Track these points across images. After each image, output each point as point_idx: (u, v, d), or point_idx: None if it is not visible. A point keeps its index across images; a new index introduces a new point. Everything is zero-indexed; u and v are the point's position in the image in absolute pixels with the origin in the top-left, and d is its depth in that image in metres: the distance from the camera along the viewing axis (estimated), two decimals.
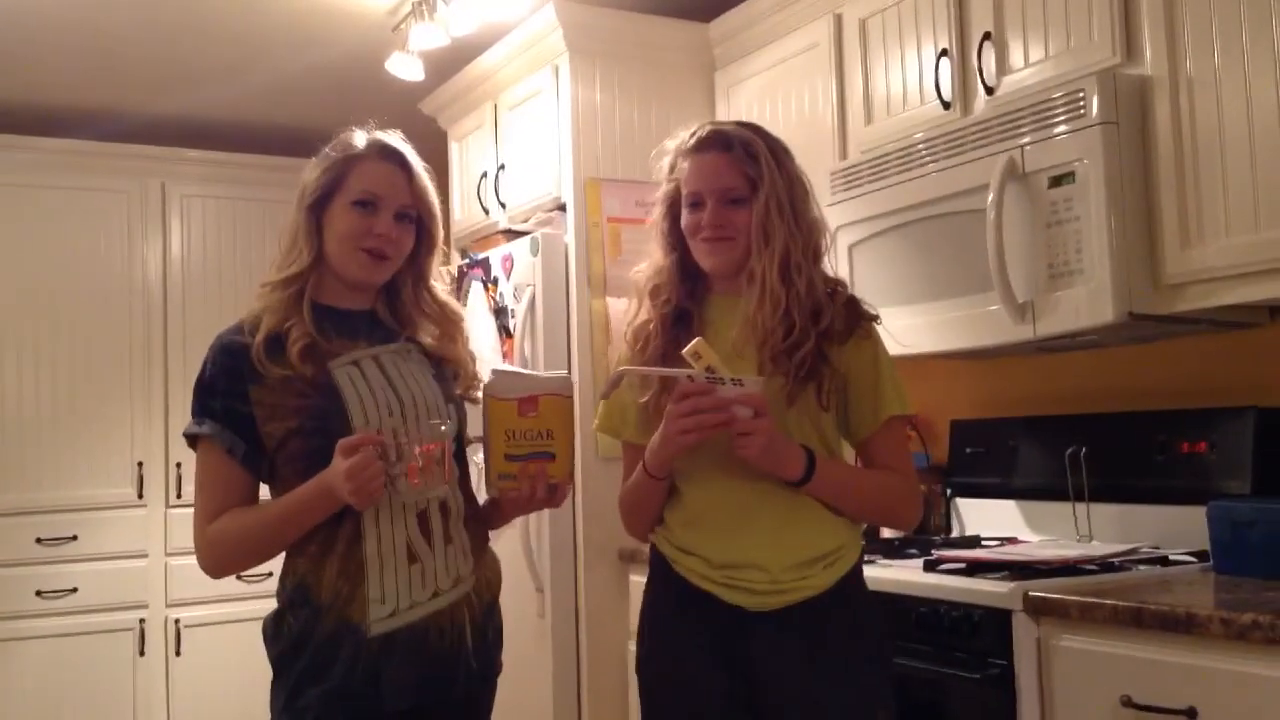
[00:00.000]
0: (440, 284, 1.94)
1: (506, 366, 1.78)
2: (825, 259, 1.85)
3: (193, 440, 1.78)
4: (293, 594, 1.75)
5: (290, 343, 1.75)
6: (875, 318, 1.84)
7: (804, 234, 1.79)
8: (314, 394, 1.74)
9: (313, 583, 1.72)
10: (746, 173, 1.79)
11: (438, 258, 1.92)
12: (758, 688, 1.76)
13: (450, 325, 1.93)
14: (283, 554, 1.78)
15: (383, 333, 1.85)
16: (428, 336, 1.90)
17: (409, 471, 1.68)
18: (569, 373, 3.23)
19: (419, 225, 1.86)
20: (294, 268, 1.80)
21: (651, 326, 1.87)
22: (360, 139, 1.84)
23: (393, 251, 1.82)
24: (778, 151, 1.83)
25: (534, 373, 1.79)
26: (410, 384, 1.81)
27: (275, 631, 1.77)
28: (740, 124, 1.89)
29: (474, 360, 1.97)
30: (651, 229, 1.92)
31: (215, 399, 1.75)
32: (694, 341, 1.70)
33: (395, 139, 1.86)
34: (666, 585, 1.86)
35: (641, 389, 1.85)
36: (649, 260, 1.92)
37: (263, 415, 1.73)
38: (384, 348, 1.83)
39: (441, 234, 1.91)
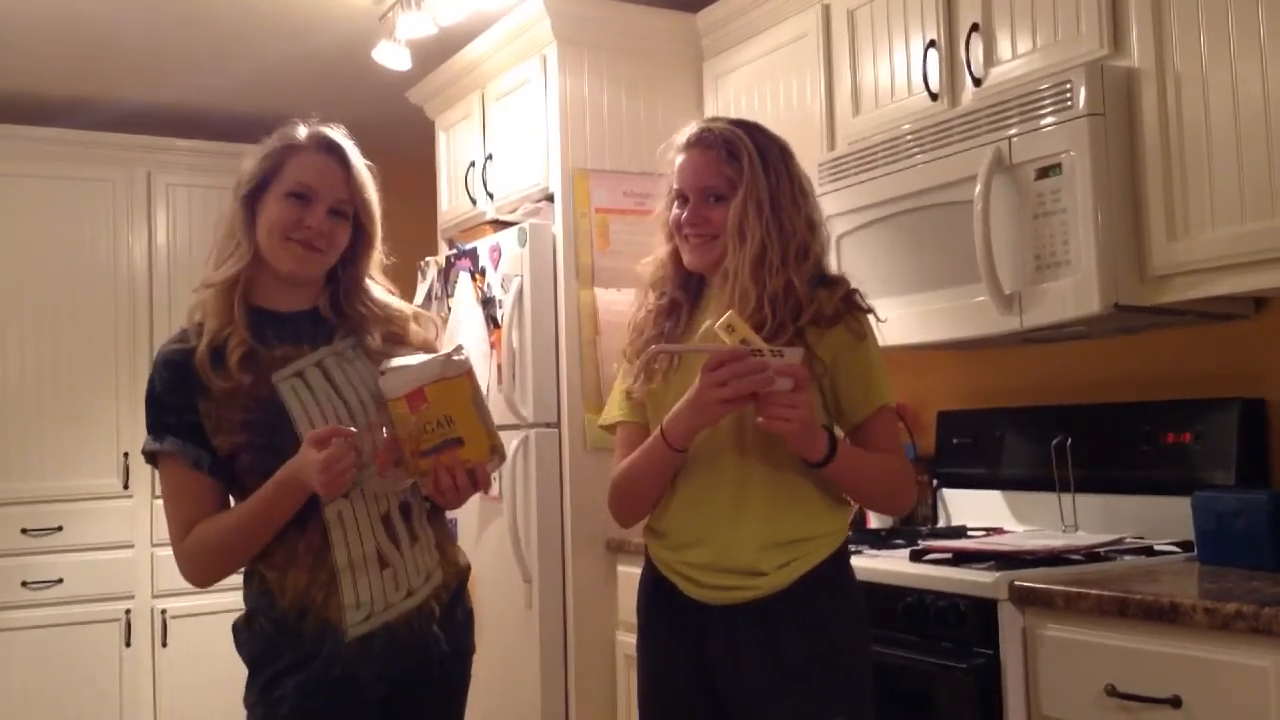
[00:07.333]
0: (379, 284, 1.89)
1: (397, 362, 1.73)
2: (823, 259, 1.83)
3: (152, 457, 1.75)
4: (258, 600, 1.75)
5: (229, 352, 1.72)
6: (869, 310, 1.83)
7: (785, 234, 1.77)
8: (258, 409, 1.72)
9: (278, 590, 1.72)
10: (726, 172, 1.80)
11: (375, 259, 1.88)
12: (718, 678, 1.77)
13: (396, 325, 1.89)
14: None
15: (326, 331, 1.82)
16: (375, 338, 1.85)
17: (378, 464, 1.67)
18: (563, 363, 3.24)
19: (356, 224, 1.83)
20: (234, 264, 1.76)
21: (642, 317, 1.91)
22: (301, 131, 1.82)
23: (324, 245, 1.78)
24: (767, 151, 1.82)
25: (418, 360, 1.70)
26: (357, 387, 1.79)
27: (248, 633, 1.77)
28: (736, 122, 1.87)
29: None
30: (656, 221, 1.93)
31: (168, 414, 1.73)
32: (726, 315, 1.68)
33: (337, 133, 1.84)
34: (645, 569, 1.91)
35: (628, 374, 1.90)
36: (654, 253, 1.94)
37: (210, 428, 1.72)
38: (328, 349, 1.80)
39: (379, 234, 1.86)
